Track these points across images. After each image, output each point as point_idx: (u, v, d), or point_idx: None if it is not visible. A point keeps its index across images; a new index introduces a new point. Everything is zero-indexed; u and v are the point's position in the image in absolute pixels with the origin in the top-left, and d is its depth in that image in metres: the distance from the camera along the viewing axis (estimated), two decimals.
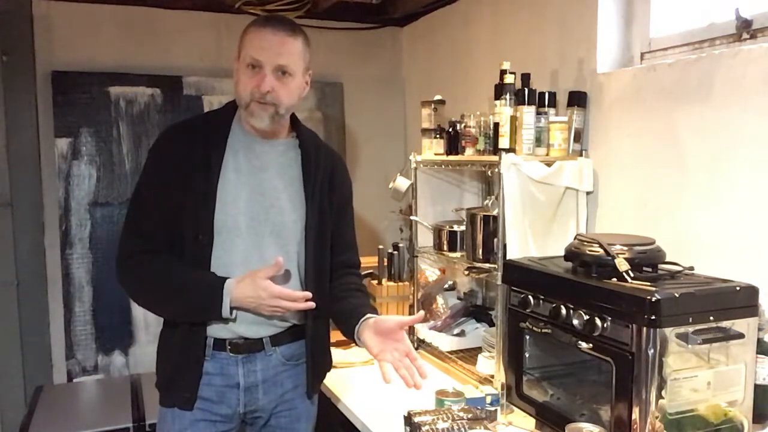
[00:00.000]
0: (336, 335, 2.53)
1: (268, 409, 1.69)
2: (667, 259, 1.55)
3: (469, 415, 1.66)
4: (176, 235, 1.57)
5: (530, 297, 1.64)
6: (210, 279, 1.55)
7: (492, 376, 1.99)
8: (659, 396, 1.33)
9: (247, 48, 1.56)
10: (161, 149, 1.63)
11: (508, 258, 1.88)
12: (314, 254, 1.66)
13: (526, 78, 2.02)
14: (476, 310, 2.50)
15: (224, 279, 1.54)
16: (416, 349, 2.43)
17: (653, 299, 1.31)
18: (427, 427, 1.61)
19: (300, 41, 1.59)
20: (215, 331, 1.60)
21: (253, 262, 1.57)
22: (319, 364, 1.76)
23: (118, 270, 1.60)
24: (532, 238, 1.96)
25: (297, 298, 1.53)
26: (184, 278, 1.55)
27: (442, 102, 2.42)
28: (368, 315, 1.61)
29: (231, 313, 1.54)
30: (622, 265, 1.45)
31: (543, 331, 1.61)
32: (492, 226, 2.02)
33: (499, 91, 2.01)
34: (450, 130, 2.33)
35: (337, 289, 1.74)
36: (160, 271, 1.57)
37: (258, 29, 1.56)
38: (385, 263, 2.43)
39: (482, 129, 2.17)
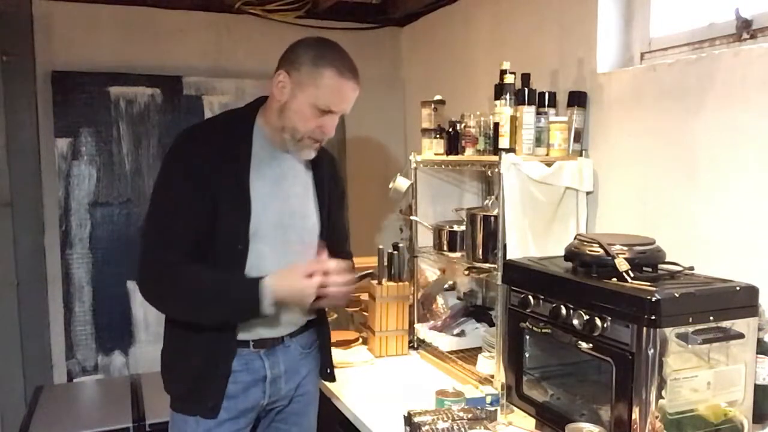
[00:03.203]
0: (336, 335, 2.54)
1: (288, 397, 1.74)
2: (667, 259, 1.55)
3: (469, 415, 1.66)
4: (209, 244, 1.56)
5: (530, 297, 1.64)
6: (247, 279, 1.57)
7: (492, 376, 1.99)
8: (659, 396, 1.33)
9: (324, 93, 1.55)
10: (185, 155, 1.58)
11: (508, 258, 1.88)
12: (326, 251, 1.72)
13: (526, 78, 2.02)
14: (476, 310, 2.50)
15: (260, 277, 1.55)
16: (416, 349, 2.43)
17: (653, 299, 1.31)
18: (427, 427, 1.61)
19: (359, 87, 1.63)
20: (240, 333, 1.63)
21: (282, 268, 1.59)
22: (327, 352, 1.85)
23: (147, 283, 1.57)
24: (532, 238, 1.96)
25: (339, 269, 1.57)
26: (222, 281, 1.55)
27: (442, 102, 2.42)
28: None
29: (273, 310, 1.56)
30: (622, 265, 1.45)
31: (543, 331, 1.61)
32: (492, 226, 2.02)
33: (499, 91, 2.01)
34: (450, 130, 2.33)
35: None
36: (197, 277, 1.55)
37: (340, 81, 1.56)
38: (385, 263, 2.43)
39: (482, 129, 2.17)
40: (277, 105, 1.59)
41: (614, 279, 1.45)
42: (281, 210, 1.64)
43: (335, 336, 2.50)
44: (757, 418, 1.47)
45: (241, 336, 1.63)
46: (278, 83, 1.58)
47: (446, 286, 2.64)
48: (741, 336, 1.38)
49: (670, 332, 1.32)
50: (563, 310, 1.52)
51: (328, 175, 1.78)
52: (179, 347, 1.64)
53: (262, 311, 1.53)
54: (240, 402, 1.64)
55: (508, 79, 2.00)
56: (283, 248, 1.63)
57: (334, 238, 1.79)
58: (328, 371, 1.84)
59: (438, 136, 2.37)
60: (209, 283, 1.55)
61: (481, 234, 2.07)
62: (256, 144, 1.63)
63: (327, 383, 1.93)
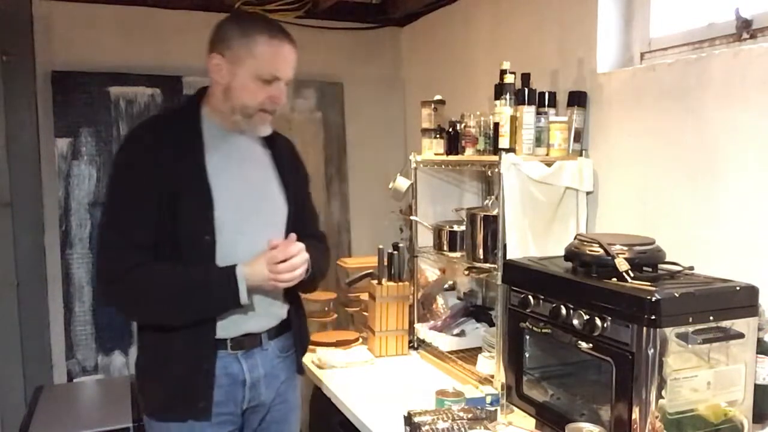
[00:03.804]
0: (336, 335, 2.54)
1: (267, 402, 1.71)
2: (667, 259, 1.55)
3: (469, 415, 1.66)
4: (172, 241, 1.52)
5: (530, 297, 1.64)
6: (219, 270, 1.54)
7: (492, 376, 1.99)
8: (659, 396, 1.33)
9: (263, 62, 1.52)
10: (135, 155, 1.55)
11: (508, 258, 1.88)
12: (295, 234, 1.69)
13: (526, 78, 2.02)
14: (476, 310, 2.50)
15: (233, 266, 1.53)
16: (416, 349, 2.43)
17: (653, 299, 1.31)
18: (427, 427, 1.61)
19: (296, 49, 1.60)
20: (220, 330, 1.58)
21: (254, 256, 1.58)
22: (302, 348, 1.83)
23: (109, 290, 1.53)
24: (532, 238, 1.96)
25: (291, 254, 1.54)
26: (194, 276, 1.52)
27: (442, 102, 2.42)
28: None
29: (249, 299, 1.55)
30: (622, 265, 1.45)
31: (543, 331, 1.61)
32: (492, 226, 2.02)
33: (499, 91, 2.01)
34: (450, 130, 2.33)
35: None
36: (166, 276, 1.52)
37: (275, 44, 1.54)
38: (385, 263, 2.43)
39: (482, 129, 2.17)
40: (220, 89, 1.56)
41: (614, 279, 1.45)
42: (246, 193, 1.61)
43: (335, 336, 2.51)
44: (757, 418, 1.47)
45: (221, 334, 1.58)
46: (214, 66, 1.56)
47: (446, 286, 2.64)
48: (741, 336, 1.38)
49: (670, 332, 1.32)
50: (563, 310, 1.52)
51: (287, 156, 1.76)
52: (158, 352, 1.59)
53: (241, 300, 1.52)
54: (222, 406, 1.60)
55: (508, 79, 2.00)
56: (254, 231, 1.60)
57: (304, 220, 1.78)
58: (297, 370, 1.81)
59: (438, 136, 2.37)
60: (182, 279, 1.51)
61: (481, 234, 2.07)
62: (206, 132, 1.60)
63: (327, 383, 1.93)
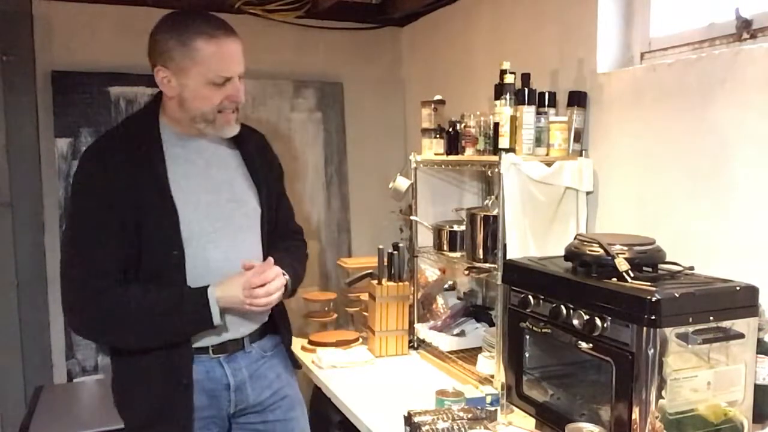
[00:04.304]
0: (336, 335, 2.54)
1: (258, 403, 1.68)
2: (667, 259, 1.55)
3: (469, 415, 1.66)
4: (138, 260, 1.48)
5: (530, 297, 1.64)
6: (192, 293, 1.50)
7: (492, 376, 1.99)
8: (659, 396, 1.33)
9: (208, 67, 1.46)
10: (92, 176, 1.49)
11: (508, 258, 1.88)
12: (269, 237, 1.68)
13: (526, 78, 2.02)
14: (476, 310, 2.50)
15: (205, 287, 1.50)
16: (416, 349, 2.43)
17: (653, 299, 1.31)
18: (427, 427, 1.61)
19: (239, 38, 1.54)
20: (197, 341, 1.56)
21: (233, 262, 1.54)
22: (289, 342, 1.81)
23: (73, 319, 1.50)
24: (532, 238, 1.96)
25: (268, 279, 1.51)
26: (165, 301, 1.48)
27: (442, 102, 2.42)
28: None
29: (221, 319, 1.52)
30: (622, 265, 1.45)
31: (543, 331, 1.61)
32: (492, 226, 2.02)
33: (499, 91, 2.01)
34: (450, 130, 2.33)
35: (281, 246, 1.76)
36: (136, 303, 1.47)
37: (215, 45, 1.46)
38: (385, 263, 2.43)
39: (482, 129, 2.17)
40: (174, 100, 1.51)
41: (614, 279, 1.45)
42: (213, 199, 1.57)
43: (335, 336, 2.51)
44: (757, 418, 1.47)
45: (200, 342, 1.56)
46: (162, 80, 1.49)
47: (446, 286, 2.64)
48: (741, 336, 1.38)
49: (670, 332, 1.32)
50: (563, 310, 1.52)
51: (258, 154, 1.70)
52: (133, 373, 1.55)
53: (215, 322, 1.49)
54: (206, 410, 1.58)
55: (508, 79, 2.00)
56: (226, 238, 1.56)
57: (280, 217, 1.76)
58: (292, 368, 1.80)
59: (438, 136, 2.37)
60: (153, 306, 1.47)
61: (481, 234, 2.07)
62: (167, 142, 1.55)
63: (327, 383, 1.93)
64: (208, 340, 1.58)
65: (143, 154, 1.51)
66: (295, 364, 1.81)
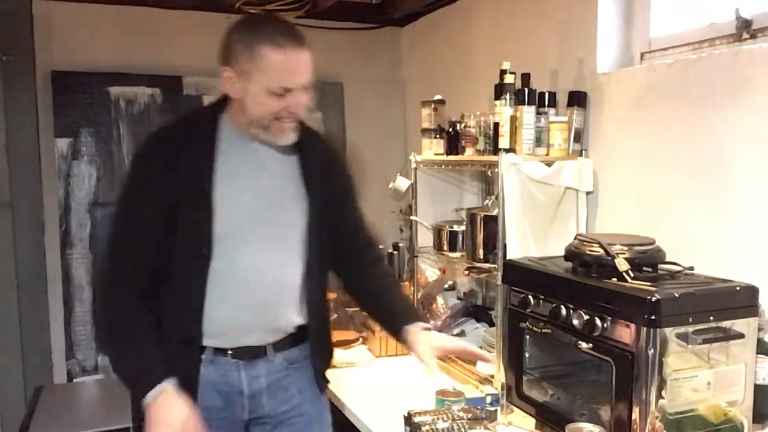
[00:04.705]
0: (336, 335, 2.53)
1: (274, 415, 1.62)
2: (667, 259, 1.55)
3: (469, 415, 1.66)
4: (171, 251, 1.48)
5: (530, 297, 1.64)
6: (148, 375, 1.44)
7: (492, 376, 1.99)
8: (659, 396, 1.33)
9: (271, 75, 1.43)
10: (147, 163, 1.53)
11: (508, 258, 1.88)
12: (318, 250, 1.61)
13: (526, 78, 2.02)
14: (476, 310, 2.50)
15: (160, 380, 1.42)
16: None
17: (653, 299, 1.31)
18: (427, 427, 1.61)
19: (309, 49, 1.49)
20: (213, 342, 1.53)
21: (260, 269, 1.52)
22: (323, 361, 1.71)
23: (101, 306, 1.53)
24: (532, 238, 1.96)
25: None
26: (135, 359, 1.47)
27: (442, 102, 2.42)
28: (421, 324, 1.60)
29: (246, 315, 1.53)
30: (622, 265, 1.45)
31: (543, 331, 1.60)
32: (492, 226, 2.02)
33: (499, 91, 2.01)
34: (450, 130, 2.33)
35: (361, 267, 1.73)
36: (124, 335, 1.49)
37: (281, 54, 1.43)
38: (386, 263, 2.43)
39: (482, 129, 2.17)
40: (236, 102, 1.51)
41: (614, 279, 1.45)
42: (257, 204, 1.54)
43: (335, 336, 2.49)
44: (757, 418, 1.47)
45: (219, 344, 1.54)
46: (226, 80, 1.49)
47: (446, 286, 2.64)
48: (741, 336, 1.38)
49: (670, 332, 1.32)
50: (563, 310, 1.52)
51: (321, 163, 1.64)
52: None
53: (144, 399, 1.43)
54: (221, 412, 1.55)
55: (508, 79, 2.00)
56: (263, 247, 1.53)
57: (346, 230, 1.69)
58: (318, 389, 1.69)
59: (438, 136, 2.37)
60: (126, 350, 1.48)
61: (481, 234, 2.07)
62: (223, 140, 1.54)
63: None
64: (227, 342, 1.54)
65: (197, 147, 1.52)
66: (321, 383, 1.70)
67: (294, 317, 1.59)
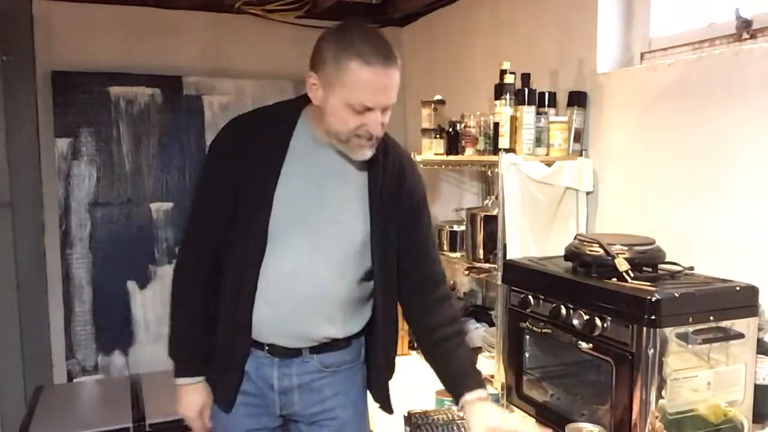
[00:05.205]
0: None
1: (306, 414, 1.61)
2: (667, 259, 1.55)
3: None
4: (230, 238, 1.52)
5: (530, 297, 1.64)
6: (186, 356, 1.60)
7: (492, 376, 1.99)
8: (659, 396, 1.33)
9: (353, 91, 1.39)
10: (221, 145, 1.56)
11: (508, 258, 1.88)
12: (382, 268, 1.56)
13: (526, 78, 2.02)
14: (476, 310, 2.50)
15: (201, 373, 1.59)
16: (416, 349, 2.43)
17: (653, 299, 1.31)
18: (427, 427, 1.61)
19: (399, 70, 1.45)
20: (254, 335, 1.55)
21: (300, 277, 1.51)
22: (378, 377, 1.66)
23: (175, 270, 1.62)
24: (532, 238, 1.96)
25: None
26: (179, 334, 1.60)
27: (442, 102, 2.42)
28: (479, 393, 1.50)
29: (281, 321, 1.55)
30: (622, 265, 1.45)
31: (543, 331, 1.61)
32: (492, 226, 2.02)
33: (499, 91, 2.01)
34: (450, 130, 2.33)
35: (423, 307, 1.61)
36: (179, 307, 1.60)
37: (367, 72, 1.38)
38: None
39: (482, 129, 2.17)
40: (317, 107, 1.48)
41: (614, 279, 1.45)
42: (311, 212, 1.51)
43: None
44: (757, 418, 1.47)
45: (258, 337, 1.55)
46: (310, 85, 1.45)
47: None
48: (741, 336, 1.38)
49: (670, 332, 1.32)
50: (563, 310, 1.52)
51: (388, 183, 1.56)
52: (212, 334, 1.61)
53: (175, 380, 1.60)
54: (258, 399, 1.58)
55: (508, 79, 2.00)
56: (309, 255, 1.51)
57: (406, 259, 1.59)
58: (380, 399, 1.65)
59: (438, 136, 2.37)
60: (176, 322, 1.60)
61: (481, 234, 2.08)
62: (297, 140, 1.51)
63: None
64: (264, 338, 1.55)
65: (270, 143, 1.51)
66: (386, 405, 1.66)
67: (329, 330, 1.55)
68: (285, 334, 1.55)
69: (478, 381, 1.52)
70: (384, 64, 1.39)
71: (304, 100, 1.53)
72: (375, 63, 1.38)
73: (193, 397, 1.59)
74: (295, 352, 1.56)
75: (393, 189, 1.56)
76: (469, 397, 1.49)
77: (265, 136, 1.52)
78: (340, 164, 1.52)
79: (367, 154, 1.48)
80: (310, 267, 1.51)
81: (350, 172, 1.54)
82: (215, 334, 1.57)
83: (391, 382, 1.69)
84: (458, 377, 1.54)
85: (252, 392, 1.58)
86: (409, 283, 1.61)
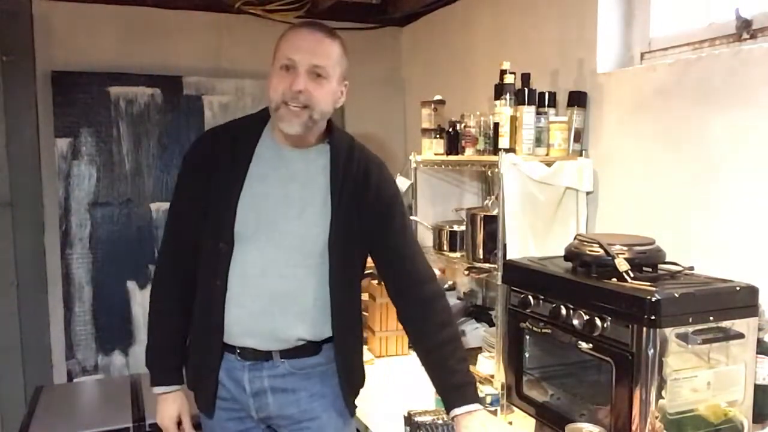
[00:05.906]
0: None
1: (285, 416, 1.60)
2: (667, 259, 1.55)
3: None
4: (201, 243, 1.56)
5: (530, 297, 1.64)
6: (159, 365, 1.65)
7: (492, 376, 1.99)
8: (659, 396, 1.33)
9: (282, 49, 1.49)
10: (190, 157, 1.63)
11: (508, 258, 1.88)
12: (339, 267, 1.56)
13: (526, 78, 2.02)
14: (476, 310, 2.50)
15: (170, 384, 1.64)
16: None
17: (653, 299, 1.31)
18: (427, 427, 1.61)
19: (337, 45, 1.54)
20: (227, 337, 1.57)
21: (269, 276, 1.52)
22: (351, 376, 1.64)
23: (153, 279, 1.70)
24: (532, 238, 1.96)
25: None
26: (154, 343, 1.65)
27: (442, 102, 2.42)
28: (468, 408, 1.49)
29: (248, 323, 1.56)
30: (622, 265, 1.45)
31: (543, 331, 1.61)
32: (492, 226, 2.02)
33: (499, 91, 2.01)
34: (450, 130, 2.33)
35: (410, 307, 1.60)
36: (155, 317, 1.65)
37: (295, 30, 1.52)
38: None
39: (482, 129, 2.17)
40: None
41: (614, 279, 1.45)
42: (276, 212, 1.54)
43: None
44: (757, 418, 1.47)
45: (228, 341, 1.56)
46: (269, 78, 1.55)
47: (446, 286, 2.64)
48: (741, 336, 1.38)
49: (670, 332, 1.32)
50: (563, 310, 1.52)
51: (355, 185, 1.58)
52: (188, 341, 1.67)
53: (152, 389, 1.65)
54: (233, 403, 1.59)
55: (508, 79, 2.00)
56: (275, 254, 1.53)
57: (385, 258, 1.62)
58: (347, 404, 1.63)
59: (438, 136, 2.37)
60: (152, 331, 1.65)
61: (481, 234, 2.08)
62: (263, 147, 1.57)
63: None
64: (235, 341, 1.56)
65: (238, 150, 1.57)
66: (350, 409, 1.65)
67: (299, 330, 1.55)
68: (255, 333, 1.55)
69: (468, 395, 1.51)
70: (311, 28, 1.51)
71: (268, 110, 1.58)
72: (304, 26, 1.52)
73: (170, 405, 1.64)
74: (266, 356, 1.56)
75: (357, 191, 1.58)
76: (458, 411, 1.49)
77: (232, 145, 1.57)
78: (305, 167, 1.58)
79: (295, 126, 1.50)
80: (277, 265, 1.53)
81: (314, 174, 1.58)
82: (191, 340, 1.62)
83: (363, 390, 1.68)
84: (450, 390, 1.54)
85: (226, 397, 1.60)
86: (392, 284, 1.63)
